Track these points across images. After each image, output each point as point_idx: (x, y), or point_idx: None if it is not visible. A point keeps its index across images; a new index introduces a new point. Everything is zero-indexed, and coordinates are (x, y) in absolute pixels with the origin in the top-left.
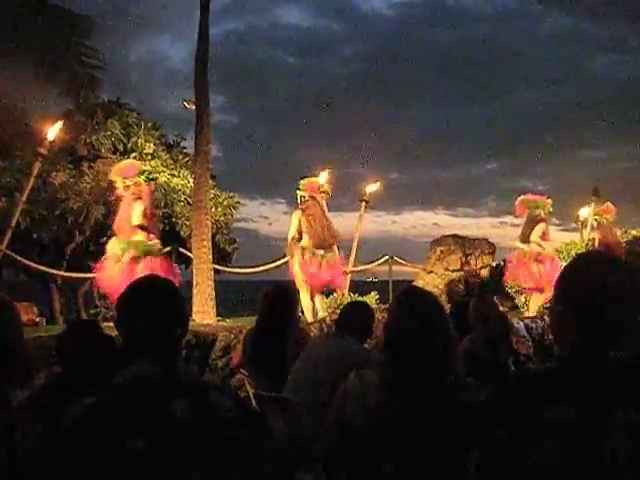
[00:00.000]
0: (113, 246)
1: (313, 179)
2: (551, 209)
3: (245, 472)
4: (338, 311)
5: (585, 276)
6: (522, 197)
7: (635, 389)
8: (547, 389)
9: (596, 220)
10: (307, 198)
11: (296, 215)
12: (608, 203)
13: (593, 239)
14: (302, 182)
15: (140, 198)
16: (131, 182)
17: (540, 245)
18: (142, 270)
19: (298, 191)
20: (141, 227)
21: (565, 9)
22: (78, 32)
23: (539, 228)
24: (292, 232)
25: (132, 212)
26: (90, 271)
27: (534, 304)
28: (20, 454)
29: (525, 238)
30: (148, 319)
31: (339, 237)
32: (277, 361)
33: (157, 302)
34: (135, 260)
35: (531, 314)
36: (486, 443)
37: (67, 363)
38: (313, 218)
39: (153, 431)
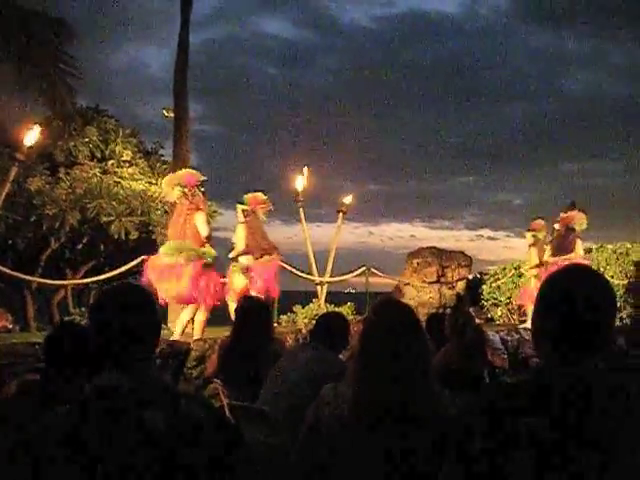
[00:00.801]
0: (167, 249)
1: (257, 194)
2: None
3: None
4: (314, 321)
5: (561, 287)
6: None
7: (609, 400)
8: (523, 400)
9: (534, 237)
10: (249, 212)
11: (241, 227)
12: (538, 220)
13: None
14: (246, 196)
15: (200, 209)
16: (190, 192)
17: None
18: (190, 273)
19: (240, 205)
20: (207, 238)
21: (546, 25)
22: (56, 38)
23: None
24: (241, 245)
25: (198, 224)
26: (65, 278)
27: None
28: None
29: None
30: (120, 326)
31: (276, 248)
32: (251, 372)
33: (130, 309)
34: (186, 264)
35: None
36: (461, 455)
37: (54, 363)
38: (254, 230)
39: (124, 440)
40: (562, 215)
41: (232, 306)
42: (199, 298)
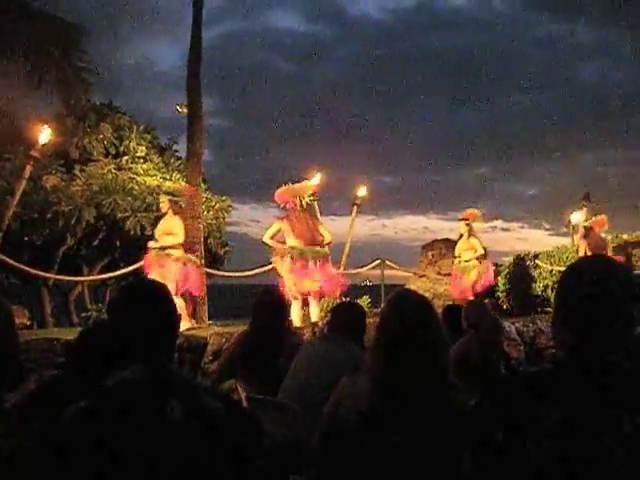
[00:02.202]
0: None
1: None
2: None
3: (238, 473)
4: (330, 314)
5: (581, 278)
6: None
7: (630, 391)
8: (542, 390)
9: (585, 228)
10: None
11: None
12: (603, 216)
13: (578, 246)
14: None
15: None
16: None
17: None
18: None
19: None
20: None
21: (557, 15)
22: (70, 37)
23: None
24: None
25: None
26: (81, 274)
27: None
28: (16, 455)
29: None
30: (139, 321)
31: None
32: (270, 365)
33: (148, 304)
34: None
35: None
36: (480, 445)
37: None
38: (297, 220)
39: (146, 433)
40: (596, 219)
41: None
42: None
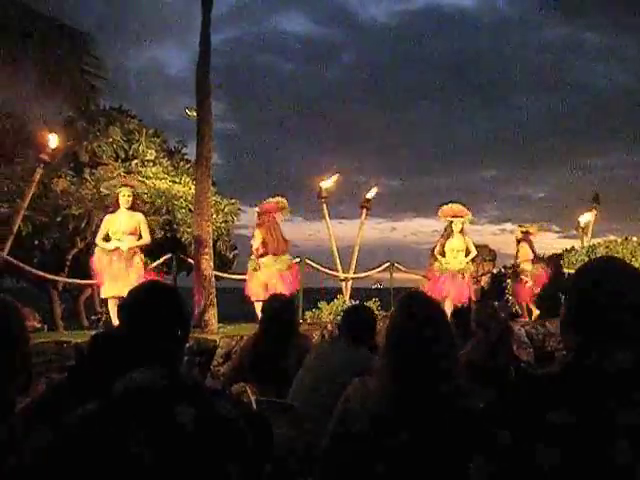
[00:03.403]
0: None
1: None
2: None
3: (247, 475)
4: (339, 317)
5: (588, 280)
6: None
7: (638, 393)
8: (550, 393)
9: (522, 232)
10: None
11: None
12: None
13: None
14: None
15: None
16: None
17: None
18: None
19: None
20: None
21: (564, 18)
22: (79, 43)
23: None
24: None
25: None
26: (91, 277)
27: None
28: (28, 458)
29: None
30: (150, 324)
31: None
32: (279, 369)
33: (158, 307)
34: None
35: None
36: (489, 447)
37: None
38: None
39: (155, 436)
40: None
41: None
42: None
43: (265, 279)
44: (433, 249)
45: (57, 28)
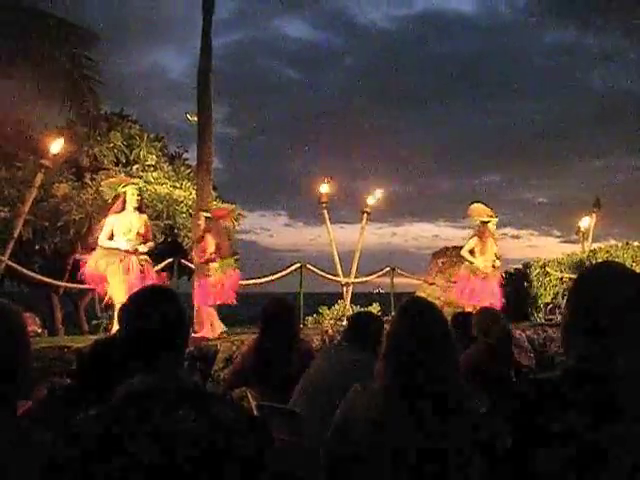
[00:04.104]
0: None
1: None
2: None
3: None
4: (340, 322)
5: (591, 286)
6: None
7: (638, 398)
8: (551, 397)
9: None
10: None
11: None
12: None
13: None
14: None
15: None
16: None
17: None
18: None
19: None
20: None
21: (563, 21)
22: (79, 44)
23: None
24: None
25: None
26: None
27: None
28: (29, 464)
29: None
30: (149, 328)
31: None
32: (280, 373)
33: (158, 312)
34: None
35: None
36: (490, 451)
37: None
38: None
39: (155, 441)
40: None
41: None
42: None
43: (216, 283)
44: (452, 249)
45: (55, 28)
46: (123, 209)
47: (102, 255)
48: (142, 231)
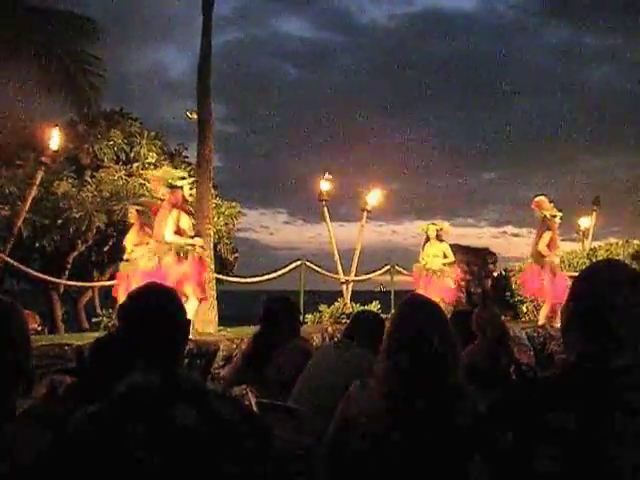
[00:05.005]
0: None
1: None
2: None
3: (247, 477)
4: (340, 320)
5: (590, 284)
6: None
7: (638, 396)
8: (551, 395)
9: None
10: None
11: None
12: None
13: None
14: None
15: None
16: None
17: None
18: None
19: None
20: None
21: (564, 21)
22: (80, 38)
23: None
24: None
25: None
26: (92, 280)
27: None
28: (29, 462)
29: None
30: (148, 326)
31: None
32: (279, 371)
33: (158, 309)
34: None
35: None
36: (490, 448)
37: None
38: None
39: (155, 437)
40: None
41: None
42: None
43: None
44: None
45: (57, 21)
46: (184, 203)
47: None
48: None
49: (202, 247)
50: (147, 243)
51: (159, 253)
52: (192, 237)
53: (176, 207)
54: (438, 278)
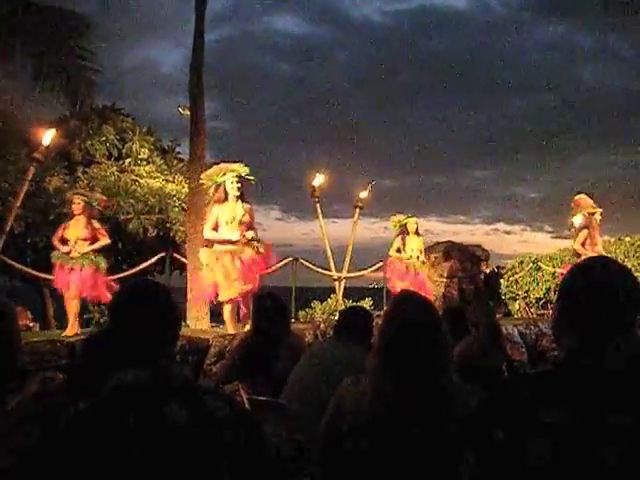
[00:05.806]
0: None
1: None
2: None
3: (240, 475)
4: (332, 316)
5: (582, 278)
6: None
7: (630, 393)
8: (543, 391)
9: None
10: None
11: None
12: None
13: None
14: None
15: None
16: None
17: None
18: None
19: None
20: None
21: (557, 18)
22: (74, 33)
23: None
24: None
25: None
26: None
27: None
28: (18, 457)
29: None
30: (138, 323)
31: None
32: (270, 368)
33: (149, 306)
34: None
35: None
36: (481, 444)
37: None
38: None
39: (145, 434)
40: None
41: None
42: None
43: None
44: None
45: (51, 16)
46: (225, 199)
47: (210, 249)
48: (246, 219)
49: (253, 239)
50: (92, 239)
51: (237, 253)
52: (248, 227)
53: (218, 202)
54: (422, 274)
